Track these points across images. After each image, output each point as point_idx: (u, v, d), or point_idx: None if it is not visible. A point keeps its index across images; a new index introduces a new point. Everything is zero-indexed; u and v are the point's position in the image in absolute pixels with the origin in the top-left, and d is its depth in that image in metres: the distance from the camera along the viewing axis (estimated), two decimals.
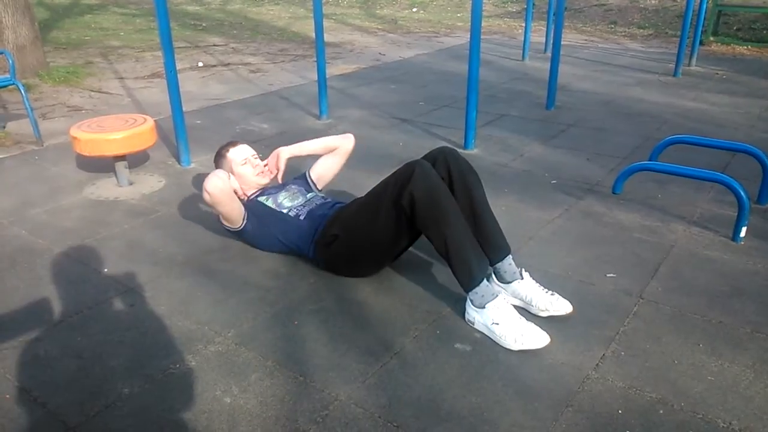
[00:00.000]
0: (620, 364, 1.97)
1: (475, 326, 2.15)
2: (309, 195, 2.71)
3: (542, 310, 2.20)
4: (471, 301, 2.15)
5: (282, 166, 2.75)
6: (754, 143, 3.88)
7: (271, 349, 2.05)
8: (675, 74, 6.25)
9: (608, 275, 2.48)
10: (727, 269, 2.54)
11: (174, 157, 3.93)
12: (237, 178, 2.65)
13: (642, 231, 2.87)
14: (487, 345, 2.07)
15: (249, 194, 2.72)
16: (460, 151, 4.01)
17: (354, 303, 2.32)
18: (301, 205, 2.62)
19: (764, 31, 8.68)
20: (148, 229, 2.95)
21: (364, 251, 2.38)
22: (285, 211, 2.59)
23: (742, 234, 2.75)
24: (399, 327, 2.17)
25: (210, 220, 3.03)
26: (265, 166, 2.76)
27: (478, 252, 2.16)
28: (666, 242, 2.77)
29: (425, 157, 2.38)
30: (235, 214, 2.55)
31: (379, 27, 10.26)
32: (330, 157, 2.86)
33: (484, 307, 2.11)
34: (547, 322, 2.17)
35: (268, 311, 2.27)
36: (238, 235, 2.66)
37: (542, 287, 2.27)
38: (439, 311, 2.26)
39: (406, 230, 2.27)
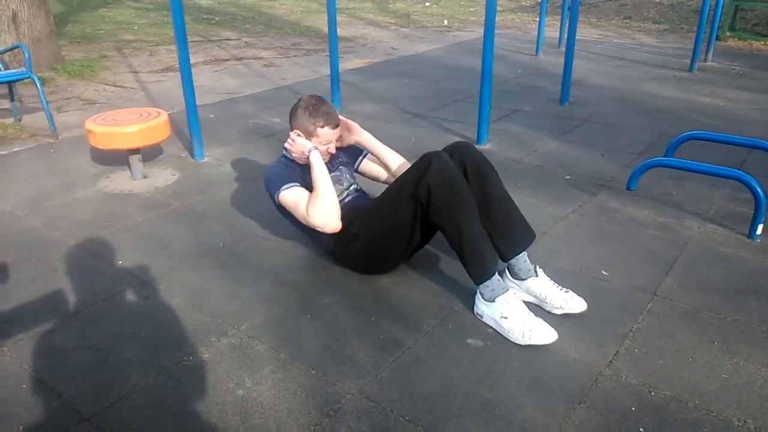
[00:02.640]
0: (634, 361, 1.95)
1: (484, 320, 2.15)
2: (347, 185, 2.60)
3: (557, 308, 2.19)
4: (481, 294, 2.15)
5: (345, 141, 2.61)
6: None
7: (284, 342, 2.06)
8: (691, 70, 6.18)
9: (603, 272, 2.47)
10: (742, 267, 2.52)
11: (187, 150, 3.95)
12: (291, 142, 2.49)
13: (656, 227, 2.85)
14: (500, 341, 2.06)
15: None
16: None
17: (366, 298, 2.33)
18: (338, 194, 2.49)
19: None
20: (162, 223, 2.96)
21: (382, 248, 2.38)
22: None
23: (759, 231, 2.72)
24: (411, 322, 2.17)
25: (223, 213, 3.05)
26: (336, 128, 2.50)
27: (490, 246, 2.16)
28: (681, 239, 2.74)
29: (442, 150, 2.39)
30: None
31: (392, 21, 10.23)
32: (384, 168, 2.70)
33: (493, 301, 2.11)
34: (560, 319, 2.16)
35: (281, 305, 2.28)
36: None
37: (557, 284, 2.25)
38: (452, 307, 2.26)
39: (422, 224, 2.26)
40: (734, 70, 6.29)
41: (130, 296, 2.34)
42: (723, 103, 5.02)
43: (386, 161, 2.64)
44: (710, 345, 2.03)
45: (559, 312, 2.19)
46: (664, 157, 3.41)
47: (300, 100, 2.50)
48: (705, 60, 6.55)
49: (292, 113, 2.49)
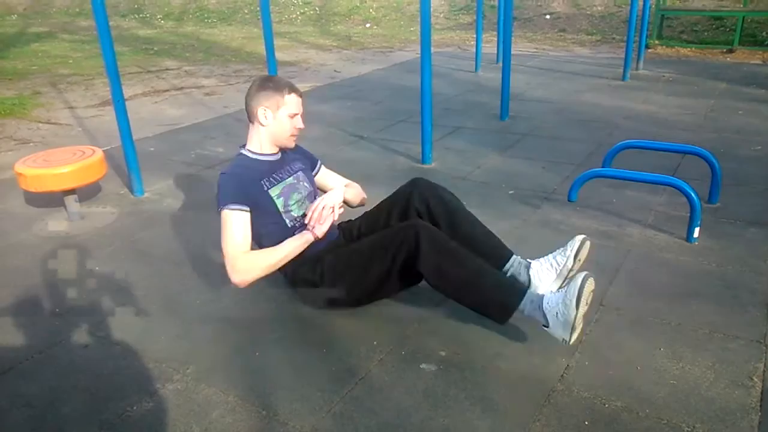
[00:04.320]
0: (585, 375, 1.97)
1: (563, 334, 2.00)
2: (306, 193, 2.47)
3: (570, 269, 2.21)
4: (543, 323, 2.03)
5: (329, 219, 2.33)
6: (702, 143, 3.99)
7: (232, 383, 2.00)
8: (624, 78, 6.41)
9: None
10: (683, 270, 2.59)
11: (127, 187, 3.83)
12: (272, 123, 2.35)
13: (599, 237, 2.91)
14: (453, 363, 2.05)
15: (264, 153, 2.42)
16: (417, 165, 4.03)
17: (317, 329, 2.29)
18: (301, 217, 2.40)
19: (706, 33, 8.99)
20: (102, 265, 2.85)
21: (346, 297, 2.31)
22: (287, 221, 2.37)
23: (696, 234, 2.81)
24: (364, 351, 2.14)
25: (167, 251, 2.96)
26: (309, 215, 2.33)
27: (497, 281, 2.14)
28: (623, 247, 2.81)
29: (399, 192, 2.43)
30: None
31: (334, 44, 10.28)
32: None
33: (546, 318, 2.02)
34: (511, 336, 2.17)
35: (229, 343, 2.21)
36: None
37: (547, 257, 2.27)
38: (404, 332, 2.24)
39: (394, 285, 2.28)
40: (664, 76, 6.55)
41: (68, 346, 2.23)
42: (656, 109, 5.21)
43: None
44: (657, 352, 2.07)
45: (576, 266, 2.22)
46: (603, 166, 3.50)
47: (254, 82, 2.39)
48: (636, 68, 6.80)
49: (253, 95, 2.34)
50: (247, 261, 2.21)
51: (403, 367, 2.04)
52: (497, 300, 2.09)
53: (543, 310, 2.01)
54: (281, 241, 2.30)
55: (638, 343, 2.12)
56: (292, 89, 2.36)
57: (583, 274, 1.98)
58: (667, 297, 2.39)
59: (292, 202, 2.41)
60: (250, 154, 2.41)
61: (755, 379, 1.93)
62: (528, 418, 1.80)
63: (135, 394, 1.96)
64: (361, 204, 2.67)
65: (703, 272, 2.57)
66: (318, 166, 2.66)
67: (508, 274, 2.27)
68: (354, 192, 2.62)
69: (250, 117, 2.40)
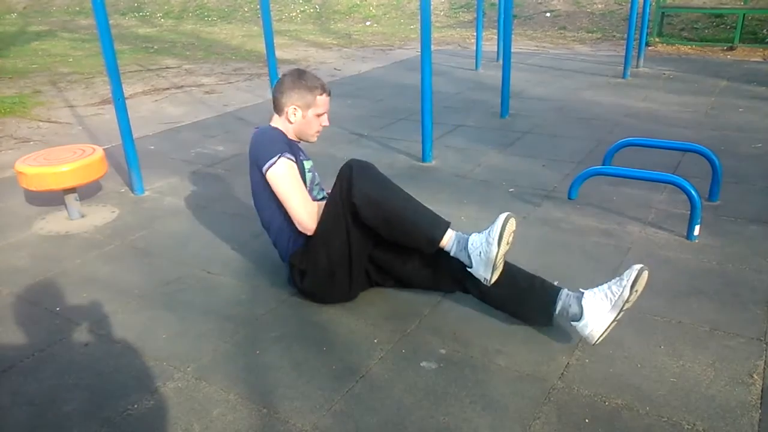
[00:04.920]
0: (585, 372, 1.97)
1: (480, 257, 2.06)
2: (320, 193, 2.53)
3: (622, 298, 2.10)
4: (467, 258, 2.09)
5: None
6: (703, 140, 3.99)
7: (233, 381, 2.00)
8: (624, 76, 6.40)
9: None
10: (683, 268, 2.59)
11: (127, 185, 3.83)
12: (300, 121, 2.39)
13: (599, 235, 2.91)
14: (453, 361, 2.06)
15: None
16: (417, 164, 4.02)
17: (318, 327, 2.29)
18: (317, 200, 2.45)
19: (706, 31, 8.98)
20: (102, 264, 2.86)
21: (330, 279, 2.32)
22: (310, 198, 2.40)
23: (696, 232, 2.81)
24: (364, 349, 2.14)
25: (167, 249, 2.96)
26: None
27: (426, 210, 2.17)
28: (623, 244, 2.81)
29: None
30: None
31: (334, 42, 10.27)
32: None
33: (470, 256, 2.08)
34: (510, 332, 2.17)
35: (229, 342, 2.21)
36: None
37: (603, 286, 2.19)
38: (404, 329, 2.24)
39: (366, 236, 2.23)
40: (665, 74, 6.54)
41: (69, 345, 2.24)
42: (656, 106, 5.20)
43: None
44: (657, 349, 2.08)
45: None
46: (603, 164, 3.50)
47: (285, 76, 2.39)
48: (637, 66, 6.79)
49: (284, 91, 2.36)
50: (314, 212, 2.27)
51: (404, 365, 2.04)
52: (423, 232, 2.12)
53: (468, 251, 2.08)
54: (288, 231, 2.34)
55: (638, 341, 2.12)
56: (324, 89, 2.40)
57: (505, 213, 2.06)
58: (668, 295, 2.39)
59: (312, 184, 2.46)
60: (282, 130, 2.41)
61: (755, 377, 1.93)
62: (528, 415, 1.80)
63: (136, 392, 1.96)
64: None
65: (704, 270, 2.57)
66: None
67: (558, 309, 2.10)
68: None
69: (278, 110, 2.42)
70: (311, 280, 2.35)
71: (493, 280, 2.07)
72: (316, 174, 2.51)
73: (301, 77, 2.38)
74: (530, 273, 2.20)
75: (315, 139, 2.51)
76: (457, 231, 2.16)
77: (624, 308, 2.01)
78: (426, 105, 3.89)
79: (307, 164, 2.45)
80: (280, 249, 2.44)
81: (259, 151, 2.30)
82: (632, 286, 1.99)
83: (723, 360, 2.01)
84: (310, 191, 2.42)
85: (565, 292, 2.11)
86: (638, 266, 2.01)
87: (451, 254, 2.14)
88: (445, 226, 2.14)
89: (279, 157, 2.25)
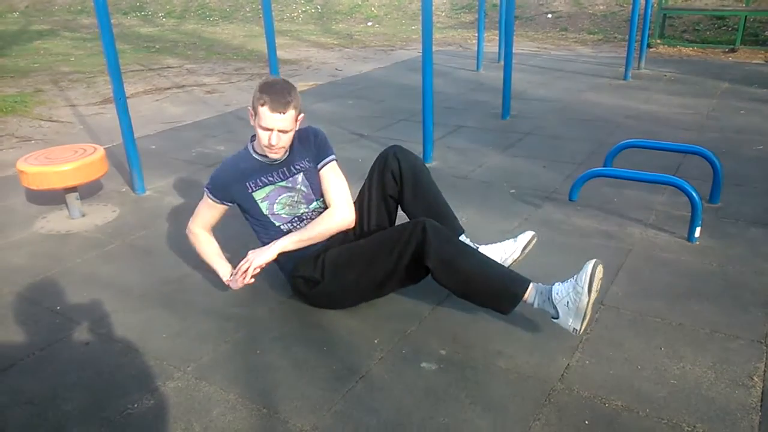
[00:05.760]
0: (585, 374, 1.97)
1: (570, 323, 2.02)
2: (313, 205, 2.38)
3: (514, 259, 2.38)
4: (551, 313, 2.05)
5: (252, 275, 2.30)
6: (704, 143, 3.99)
7: (233, 381, 2.00)
8: (625, 77, 6.39)
9: None
10: (684, 270, 2.59)
11: (128, 185, 3.83)
12: (255, 127, 2.23)
13: (600, 236, 2.91)
14: (454, 362, 2.06)
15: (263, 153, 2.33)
16: None
17: (318, 327, 2.29)
18: (297, 217, 2.36)
19: (708, 32, 8.98)
20: (103, 263, 2.86)
21: (346, 297, 2.33)
22: (275, 222, 2.34)
23: (697, 234, 2.81)
24: (364, 349, 2.14)
25: (167, 249, 2.96)
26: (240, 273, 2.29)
27: (500, 271, 2.16)
28: (624, 246, 2.81)
29: (378, 158, 2.47)
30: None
31: (335, 42, 10.27)
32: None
33: (555, 308, 2.03)
34: (511, 334, 2.17)
35: (229, 341, 2.21)
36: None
37: (496, 243, 2.43)
38: (405, 330, 2.24)
39: (396, 283, 2.29)
40: (666, 76, 6.54)
41: (69, 344, 2.24)
42: (658, 108, 5.20)
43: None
44: (657, 351, 2.07)
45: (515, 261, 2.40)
46: (604, 166, 3.50)
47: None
48: (638, 67, 6.79)
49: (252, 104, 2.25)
50: (197, 234, 2.52)
51: (404, 366, 2.05)
52: (505, 288, 2.09)
53: (553, 301, 2.02)
54: (274, 238, 2.32)
55: (639, 343, 2.12)
56: (267, 102, 2.12)
57: (593, 261, 2.00)
58: (668, 297, 2.39)
59: (279, 206, 2.35)
60: (251, 151, 2.39)
61: (756, 379, 1.92)
62: (528, 417, 1.80)
63: (136, 391, 1.96)
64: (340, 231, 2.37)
65: (704, 272, 2.57)
66: (324, 161, 2.37)
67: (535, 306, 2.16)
68: (324, 226, 2.30)
69: None
70: (324, 290, 2.30)
71: (582, 330, 2.01)
72: (292, 192, 2.35)
73: (264, 82, 2.20)
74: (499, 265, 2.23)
75: (273, 155, 2.27)
76: (536, 283, 2.10)
77: (587, 311, 2.00)
78: (427, 106, 3.89)
79: (262, 192, 2.33)
80: (283, 262, 2.37)
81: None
82: (523, 248, 2.38)
83: (723, 362, 2.01)
84: (274, 214, 2.34)
85: (465, 238, 2.40)
86: (531, 232, 2.39)
87: (534, 307, 2.08)
88: (526, 284, 2.08)
89: (204, 187, 2.44)
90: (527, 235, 2.44)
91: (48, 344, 2.24)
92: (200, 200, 2.47)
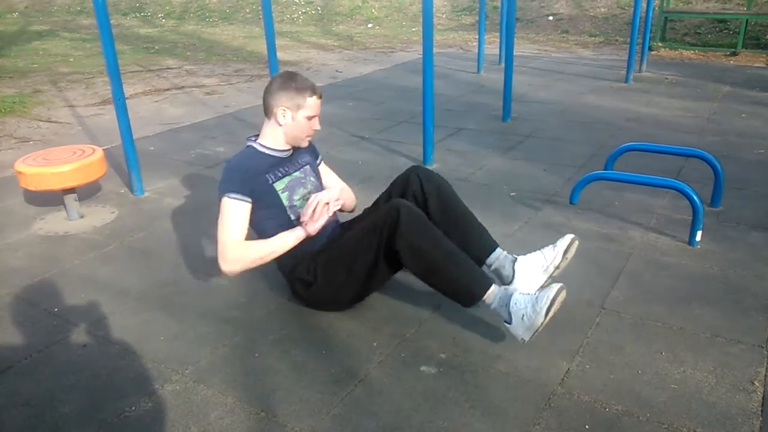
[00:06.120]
0: (585, 378, 1.96)
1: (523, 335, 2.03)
2: (311, 188, 2.47)
3: (556, 266, 2.27)
4: (504, 319, 2.06)
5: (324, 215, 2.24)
6: (705, 146, 3.98)
7: (231, 384, 1.99)
8: (626, 80, 6.39)
9: None
10: (685, 274, 2.58)
11: (127, 186, 3.82)
12: (289, 123, 2.33)
13: (601, 240, 2.90)
14: (453, 365, 2.04)
15: (275, 148, 2.40)
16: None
17: (317, 330, 2.28)
18: (301, 198, 2.41)
19: (709, 36, 8.98)
20: (101, 264, 2.85)
21: (337, 294, 2.31)
22: (291, 216, 2.36)
23: (698, 238, 2.80)
24: (363, 352, 2.13)
25: (166, 250, 2.95)
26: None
27: (469, 267, 2.15)
28: (625, 250, 2.79)
29: (399, 178, 2.44)
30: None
31: (336, 44, 10.27)
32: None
33: (510, 316, 2.04)
34: (511, 338, 2.16)
35: (228, 344, 2.20)
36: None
37: (535, 253, 2.31)
38: (403, 334, 2.23)
39: (380, 273, 2.25)
40: (667, 79, 6.53)
41: (67, 346, 2.22)
42: (659, 111, 5.19)
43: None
44: (658, 355, 2.06)
45: (564, 263, 2.29)
46: (605, 169, 3.49)
47: (275, 78, 2.36)
48: (639, 70, 6.78)
49: (273, 93, 2.31)
50: (237, 251, 2.21)
51: (403, 370, 2.03)
52: (466, 285, 2.11)
53: (509, 308, 2.04)
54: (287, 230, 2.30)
55: (639, 347, 2.11)
56: (314, 91, 2.32)
57: (558, 285, 2.01)
58: (669, 301, 2.38)
59: (297, 197, 2.39)
60: (259, 147, 2.39)
61: (756, 384, 1.91)
62: (528, 421, 1.79)
63: (133, 394, 1.95)
64: (351, 211, 2.63)
65: (705, 276, 2.56)
66: (319, 159, 2.62)
67: (492, 267, 2.31)
68: (347, 196, 2.54)
69: (267, 113, 2.38)
70: (318, 290, 2.31)
71: (528, 342, 2.03)
72: (305, 183, 2.43)
73: (290, 79, 2.32)
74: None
75: (307, 143, 2.45)
76: (498, 287, 2.11)
77: (553, 274, 2.20)
78: (427, 108, 3.88)
79: (281, 183, 2.36)
80: (282, 262, 2.37)
81: (220, 181, 2.31)
82: (564, 253, 2.22)
83: (724, 367, 2.00)
84: (292, 206, 2.37)
85: (502, 252, 2.26)
86: (571, 235, 2.23)
87: (490, 308, 2.10)
88: (489, 283, 2.09)
89: (222, 197, 2.26)
90: (566, 239, 2.29)
91: (45, 346, 2.22)
92: (220, 219, 2.25)
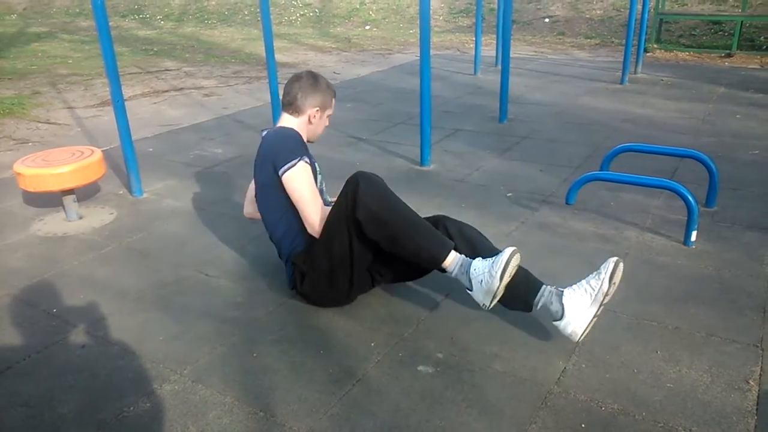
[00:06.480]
0: (581, 377, 1.98)
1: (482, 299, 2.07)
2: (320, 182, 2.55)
3: (605, 293, 2.04)
4: (467, 282, 2.08)
5: None
6: (700, 147, 4.00)
7: (229, 384, 2.00)
8: (622, 82, 6.42)
9: None
10: (680, 274, 2.60)
11: (125, 187, 3.83)
12: (317, 123, 2.50)
13: (597, 240, 2.92)
14: (450, 365, 2.06)
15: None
16: (416, 168, 4.03)
17: (315, 330, 2.29)
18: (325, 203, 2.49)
19: (704, 37, 9.02)
20: (99, 265, 2.85)
21: (329, 284, 2.32)
22: (327, 198, 2.50)
23: (693, 238, 2.82)
24: (361, 352, 2.14)
25: (164, 251, 2.96)
26: None
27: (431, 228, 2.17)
28: (620, 250, 2.81)
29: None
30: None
31: (334, 46, 10.29)
32: None
33: (471, 282, 2.07)
34: (508, 336, 2.18)
35: (226, 344, 2.21)
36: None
37: (580, 283, 2.09)
38: (401, 333, 2.24)
39: (361, 251, 2.23)
40: (663, 80, 6.56)
41: (66, 346, 2.23)
42: (654, 112, 5.22)
43: None
44: (654, 355, 2.08)
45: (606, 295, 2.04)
46: (600, 169, 3.51)
47: (303, 79, 2.43)
48: (635, 72, 6.82)
49: (309, 94, 2.41)
50: (322, 215, 2.29)
51: (401, 369, 2.05)
52: (427, 250, 2.12)
53: (469, 275, 2.07)
54: (295, 232, 2.37)
55: (635, 346, 2.12)
56: (335, 92, 2.55)
57: (510, 248, 2.03)
58: (665, 300, 2.40)
59: (321, 186, 2.51)
60: (297, 133, 2.42)
61: (751, 383, 1.93)
62: (524, 420, 1.80)
63: (132, 394, 1.96)
64: None
65: (700, 276, 2.58)
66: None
67: (539, 305, 2.09)
68: None
69: (295, 112, 2.44)
70: (310, 282, 2.35)
71: (491, 307, 2.07)
72: (317, 177, 2.52)
73: (319, 79, 2.46)
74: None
75: (318, 138, 2.60)
76: (459, 253, 2.14)
77: (604, 302, 2.03)
78: (425, 109, 3.90)
79: (317, 167, 2.51)
80: (283, 248, 2.43)
81: (279, 152, 2.31)
82: (611, 279, 2.01)
83: (719, 366, 2.01)
84: (321, 193, 2.46)
85: (547, 288, 2.10)
86: (614, 258, 2.05)
87: (452, 275, 2.13)
88: (449, 247, 2.12)
89: (299, 160, 2.29)
90: (610, 264, 2.03)
91: (44, 347, 2.23)
92: (298, 186, 2.27)
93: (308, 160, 2.34)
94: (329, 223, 2.24)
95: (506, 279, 2.02)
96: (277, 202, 2.37)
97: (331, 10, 13.35)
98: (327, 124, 2.58)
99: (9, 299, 2.57)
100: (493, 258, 2.06)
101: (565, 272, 2.62)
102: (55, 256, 2.96)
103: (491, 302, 2.06)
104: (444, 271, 2.15)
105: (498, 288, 2.02)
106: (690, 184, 3.19)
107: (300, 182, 2.29)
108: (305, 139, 2.47)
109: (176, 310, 2.45)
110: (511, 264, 2.01)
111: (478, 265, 2.07)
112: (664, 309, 2.34)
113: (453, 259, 2.12)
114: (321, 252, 2.27)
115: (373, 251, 2.26)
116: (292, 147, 2.32)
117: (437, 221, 2.32)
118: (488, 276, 2.03)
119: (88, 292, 2.61)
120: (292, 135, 2.37)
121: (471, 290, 2.09)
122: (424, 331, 2.25)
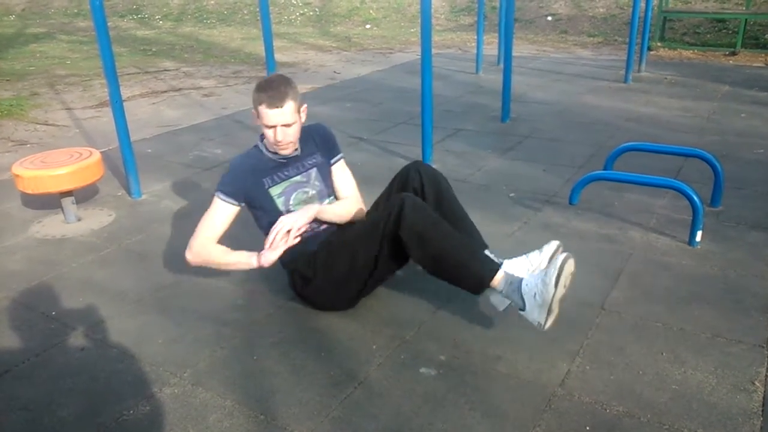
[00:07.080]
0: (586, 379, 1.95)
1: (533, 315, 1.98)
2: (326, 201, 2.43)
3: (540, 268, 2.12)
4: (516, 302, 2.03)
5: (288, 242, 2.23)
6: (705, 146, 3.97)
7: (229, 387, 1.97)
8: (626, 80, 6.38)
9: None
10: (685, 274, 2.57)
11: (124, 188, 3.81)
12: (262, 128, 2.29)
13: (600, 240, 2.89)
14: (453, 367, 2.03)
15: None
16: None
17: (316, 332, 2.27)
18: (300, 202, 2.38)
19: (708, 35, 8.98)
20: (98, 267, 2.83)
21: (338, 290, 2.31)
22: None
23: (698, 238, 2.79)
24: (363, 354, 2.12)
25: (163, 253, 2.94)
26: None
27: (475, 254, 2.14)
28: (624, 250, 2.79)
29: (398, 174, 2.46)
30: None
31: (334, 45, 10.26)
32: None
33: (522, 297, 2.00)
34: (513, 340, 2.15)
35: (226, 347, 2.19)
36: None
37: (522, 257, 2.19)
38: (403, 336, 2.22)
39: (382, 266, 2.23)
40: (666, 78, 6.53)
41: (64, 349, 2.21)
42: (658, 111, 5.19)
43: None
44: (659, 356, 2.05)
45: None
46: (604, 169, 3.48)
47: (286, 81, 2.30)
48: (638, 70, 6.78)
49: (296, 95, 2.27)
50: (201, 247, 2.30)
51: (403, 372, 2.02)
52: (474, 271, 2.08)
53: (521, 292, 1.99)
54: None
55: (640, 348, 2.10)
56: (264, 101, 2.18)
57: (564, 254, 1.96)
58: (669, 301, 2.37)
59: (295, 202, 2.37)
60: (262, 149, 2.39)
61: (757, 384, 1.91)
62: (528, 423, 1.78)
63: (132, 397, 1.94)
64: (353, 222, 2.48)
65: (706, 276, 2.55)
66: (334, 159, 2.49)
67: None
68: (346, 208, 2.44)
69: None
70: (315, 286, 2.31)
71: (547, 326, 1.96)
72: (306, 188, 2.39)
73: (261, 83, 2.24)
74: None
75: (282, 151, 2.32)
76: (507, 272, 2.08)
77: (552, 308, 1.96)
78: (426, 109, 3.87)
79: (279, 188, 2.35)
80: (285, 255, 2.34)
81: (221, 176, 2.36)
82: (556, 283, 1.91)
83: (725, 367, 1.99)
84: (289, 211, 2.33)
85: (504, 280, 2.05)
86: (555, 242, 2.16)
87: (502, 296, 2.07)
88: (496, 267, 2.07)
89: (214, 193, 2.34)
90: (552, 246, 2.18)
91: (43, 350, 2.21)
92: (206, 211, 2.33)
93: (223, 198, 2.30)
94: (361, 233, 2.22)
95: (561, 289, 1.91)
96: (259, 216, 2.41)
97: (332, 9, 13.32)
98: (271, 138, 2.25)
99: (7, 302, 2.55)
100: (546, 268, 1.97)
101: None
102: (53, 258, 2.94)
103: (546, 319, 1.94)
104: (480, 293, 2.12)
105: (553, 298, 1.91)
106: (694, 183, 3.16)
107: (208, 211, 2.35)
108: (273, 151, 2.33)
109: (175, 312, 2.43)
110: (565, 270, 1.92)
111: (530, 280, 1.99)
112: (668, 310, 2.31)
113: (500, 279, 2.05)
114: (343, 259, 2.24)
115: (394, 269, 2.32)
116: (225, 173, 2.37)
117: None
118: (542, 286, 1.93)
119: (87, 294, 2.59)
120: (238, 160, 2.40)
121: (524, 310, 2.00)
122: (426, 333, 2.23)
